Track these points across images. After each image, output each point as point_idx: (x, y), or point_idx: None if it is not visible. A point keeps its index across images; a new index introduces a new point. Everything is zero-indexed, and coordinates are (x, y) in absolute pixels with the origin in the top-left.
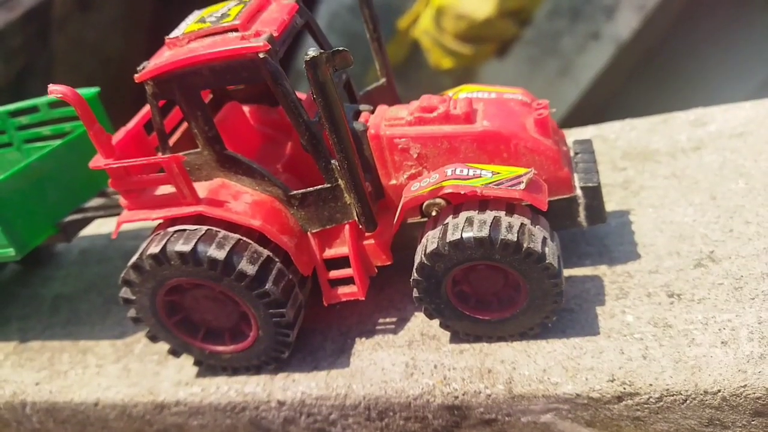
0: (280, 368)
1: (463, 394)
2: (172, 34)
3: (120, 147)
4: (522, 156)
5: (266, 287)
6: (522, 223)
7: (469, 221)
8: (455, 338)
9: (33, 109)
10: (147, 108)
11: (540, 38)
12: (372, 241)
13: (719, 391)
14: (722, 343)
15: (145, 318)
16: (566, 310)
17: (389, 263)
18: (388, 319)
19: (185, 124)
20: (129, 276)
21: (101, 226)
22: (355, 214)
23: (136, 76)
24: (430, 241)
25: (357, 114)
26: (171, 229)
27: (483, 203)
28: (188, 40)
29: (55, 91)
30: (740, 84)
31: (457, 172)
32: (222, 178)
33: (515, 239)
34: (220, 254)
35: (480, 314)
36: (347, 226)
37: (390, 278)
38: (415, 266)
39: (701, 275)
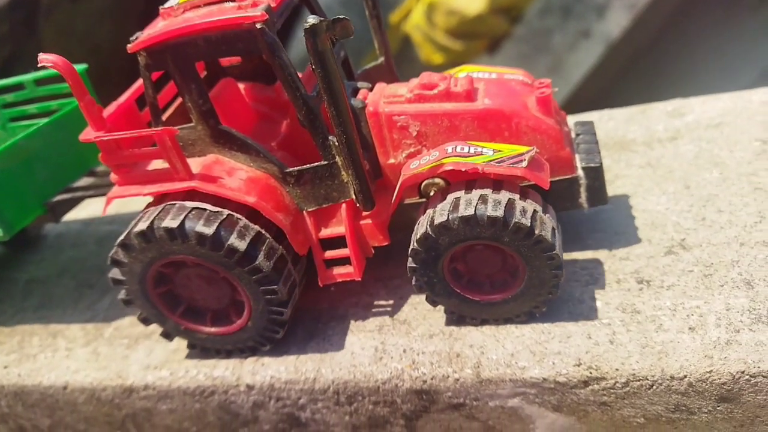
0: (274, 349)
1: (432, 379)
2: (167, 4)
3: (111, 120)
4: (523, 135)
5: (257, 262)
6: (535, 210)
7: (483, 199)
8: (426, 323)
9: (18, 87)
10: (139, 82)
11: (531, 35)
12: (369, 220)
13: (685, 376)
14: (690, 329)
15: (135, 298)
16: None
17: (387, 243)
18: (359, 304)
19: (179, 100)
20: (129, 240)
21: (79, 211)
22: (352, 192)
23: (128, 46)
24: (438, 213)
25: (355, 91)
26: (189, 205)
27: (497, 183)
28: (183, 10)
29: (46, 59)
30: (729, 84)
31: (458, 149)
32: (216, 154)
33: (528, 224)
34: (209, 230)
35: (471, 294)
36: (344, 205)
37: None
38: (417, 236)
39: (671, 262)
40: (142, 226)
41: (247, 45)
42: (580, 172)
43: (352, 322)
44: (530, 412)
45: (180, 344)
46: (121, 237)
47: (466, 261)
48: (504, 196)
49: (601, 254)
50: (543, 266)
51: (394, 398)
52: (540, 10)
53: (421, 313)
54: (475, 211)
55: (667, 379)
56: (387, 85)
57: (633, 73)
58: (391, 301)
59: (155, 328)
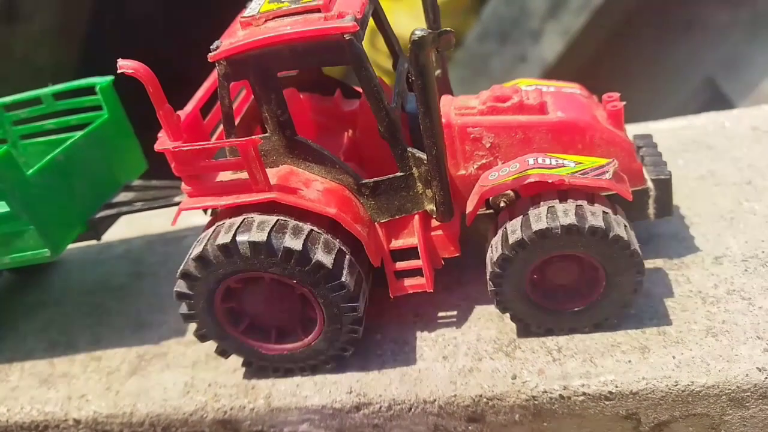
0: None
1: (231, 409)
2: (247, 13)
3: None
4: (597, 147)
5: (342, 279)
6: (626, 224)
7: (580, 208)
8: (236, 358)
9: (32, 102)
10: (203, 91)
11: (470, 60)
12: (440, 231)
13: (435, 400)
14: (443, 357)
15: (198, 313)
16: None
17: (457, 254)
18: (182, 341)
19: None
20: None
21: None
22: (434, 203)
23: (209, 55)
24: (534, 220)
25: None
26: (290, 221)
27: (589, 195)
28: (265, 19)
29: (125, 65)
30: (662, 105)
31: (540, 161)
32: (290, 165)
33: (626, 236)
34: (328, 260)
35: (547, 304)
36: (416, 217)
37: None
38: (509, 243)
39: (446, 297)
40: (225, 239)
41: (334, 56)
42: (650, 184)
43: (172, 358)
44: None
45: (20, 381)
46: (197, 250)
47: (543, 272)
48: (599, 208)
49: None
50: (627, 277)
51: (203, 428)
52: (478, 35)
53: None
54: (577, 219)
55: (421, 403)
56: (453, 97)
57: None
58: None
59: None
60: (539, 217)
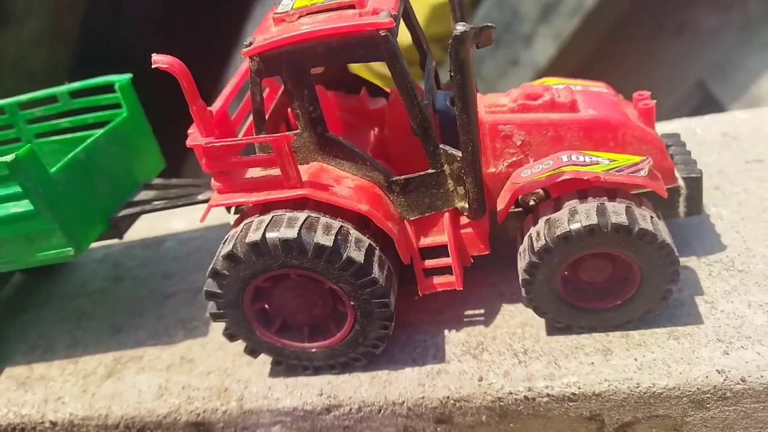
0: (74, 387)
1: (204, 412)
2: (280, 9)
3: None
4: (629, 145)
5: (373, 274)
6: (652, 216)
7: (602, 207)
8: (209, 361)
9: (47, 100)
10: (231, 87)
11: None
12: (470, 229)
13: (404, 402)
14: (412, 360)
15: (227, 312)
16: None
17: (487, 252)
18: (157, 345)
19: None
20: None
21: None
22: (466, 199)
23: (243, 51)
24: (555, 224)
25: (452, 100)
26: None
27: (610, 192)
28: (298, 15)
29: (160, 61)
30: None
31: (573, 158)
32: (320, 162)
33: (652, 229)
34: (359, 256)
35: (582, 303)
36: (446, 214)
37: (172, 307)
38: (535, 248)
39: (414, 301)
40: (288, 233)
41: (369, 52)
42: (681, 182)
43: (147, 361)
44: None
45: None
46: (289, 234)
47: (576, 271)
48: (622, 204)
49: None
50: (661, 269)
51: (176, 431)
52: None
53: (207, 352)
54: (599, 219)
55: (390, 405)
56: (482, 95)
57: None
58: (184, 342)
59: None
60: (561, 221)
